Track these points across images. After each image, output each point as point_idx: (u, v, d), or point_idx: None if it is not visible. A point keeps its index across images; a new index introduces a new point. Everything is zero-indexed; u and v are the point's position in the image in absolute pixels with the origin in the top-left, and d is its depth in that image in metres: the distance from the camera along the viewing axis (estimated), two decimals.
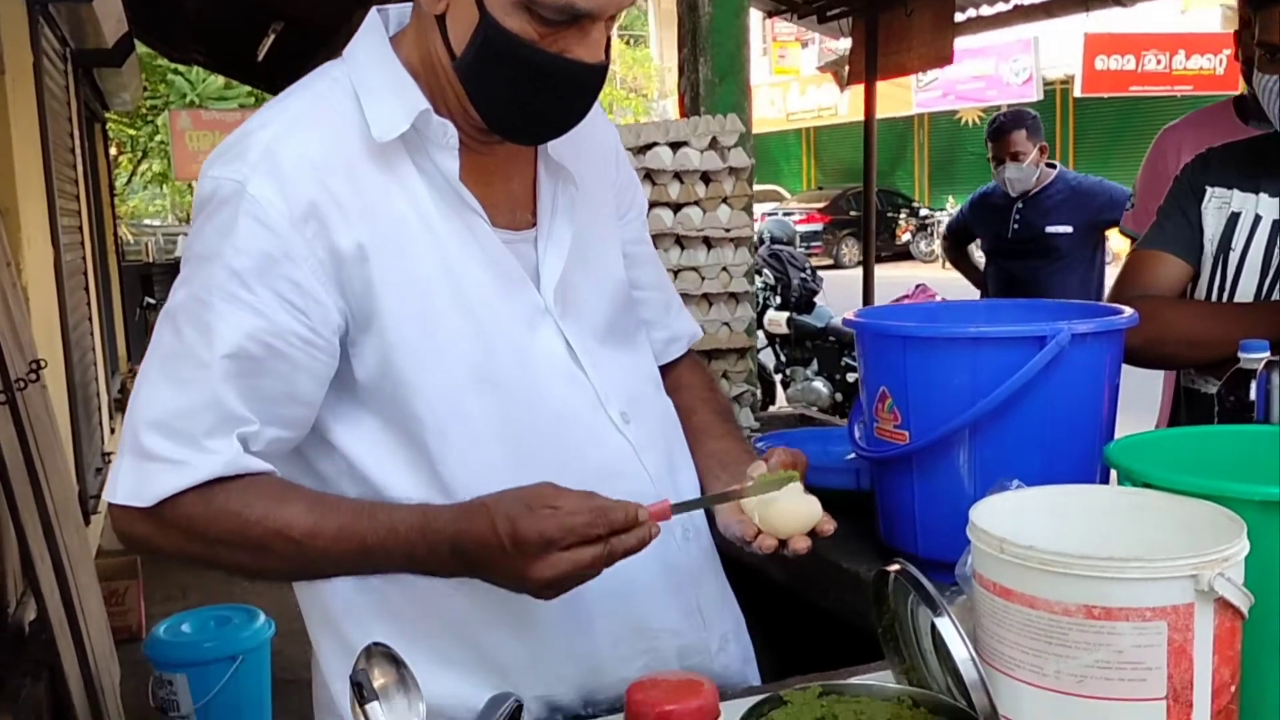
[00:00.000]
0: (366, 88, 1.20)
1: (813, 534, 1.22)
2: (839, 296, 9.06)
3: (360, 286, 1.17)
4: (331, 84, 1.22)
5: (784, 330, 8.14)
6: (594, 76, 1.17)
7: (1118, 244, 4.71)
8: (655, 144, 2.27)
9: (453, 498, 1.19)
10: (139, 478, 1.13)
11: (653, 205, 2.30)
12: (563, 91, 1.18)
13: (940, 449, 1.61)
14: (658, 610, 1.30)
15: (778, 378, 8.07)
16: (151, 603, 4.73)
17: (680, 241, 2.33)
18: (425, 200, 1.20)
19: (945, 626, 1.02)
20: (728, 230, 2.33)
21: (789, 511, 1.20)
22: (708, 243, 2.34)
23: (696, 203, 2.31)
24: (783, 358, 8.28)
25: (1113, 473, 1.27)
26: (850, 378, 7.73)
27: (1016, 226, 4.52)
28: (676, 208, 2.31)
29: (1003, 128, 4.53)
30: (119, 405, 8.43)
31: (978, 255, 5.21)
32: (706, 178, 2.32)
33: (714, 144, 2.31)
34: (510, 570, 1.08)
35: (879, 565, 1.78)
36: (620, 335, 1.35)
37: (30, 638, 3.67)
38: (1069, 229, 4.41)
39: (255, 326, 1.13)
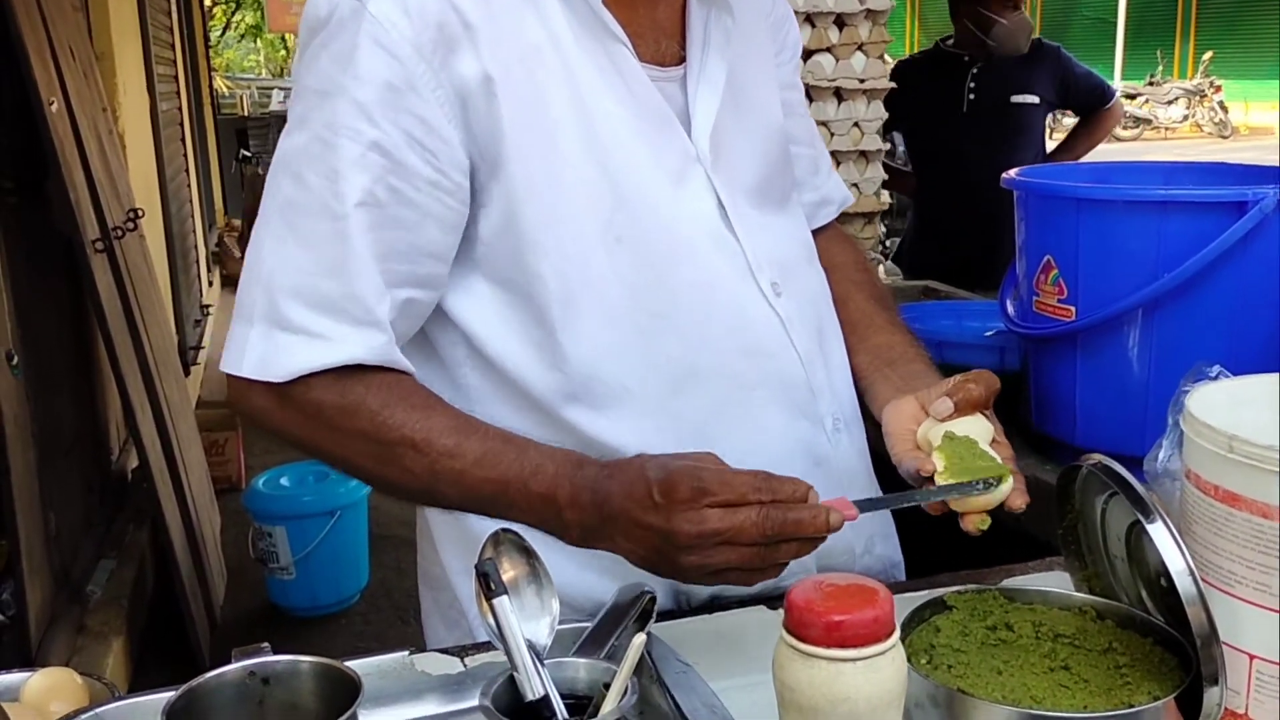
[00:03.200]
0: None
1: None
2: None
3: (487, 125, 1.01)
4: None
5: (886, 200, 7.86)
6: None
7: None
8: None
9: (574, 377, 1.06)
10: (270, 349, 0.99)
11: None
12: None
13: (1111, 327, 1.44)
14: None
15: (878, 250, 7.81)
16: (250, 454, 4.78)
17: (809, 93, 2.14)
18: (561, 25, 1.04)
19: (1159, 533, 0.87)
20: (861, 81, 2.13)
21: (977, 502, 1.03)
22: (838, 95, 2.15)
23: (829, 49, 2.11)
24: (882, 229, 8.00)
25: None
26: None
27: (973, 96, 3.52)
28: (806, 55, 2.11)
29: None
30: (216, 258, 8.49)
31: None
32: (840, 21, 2.11)
33: None
34: (652, 526, 0.91)
35: (1028, 454, 1.65)
36: (775, 195, 1.19)
37: (132, 485, 3.72)
38: (1035, 100, 3.57)
39: (382, 168, 0.99)
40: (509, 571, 0.80)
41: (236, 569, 3.77)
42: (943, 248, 3.54)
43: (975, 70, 3.52)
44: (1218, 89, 18.80)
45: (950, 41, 3.68)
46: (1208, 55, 19.53)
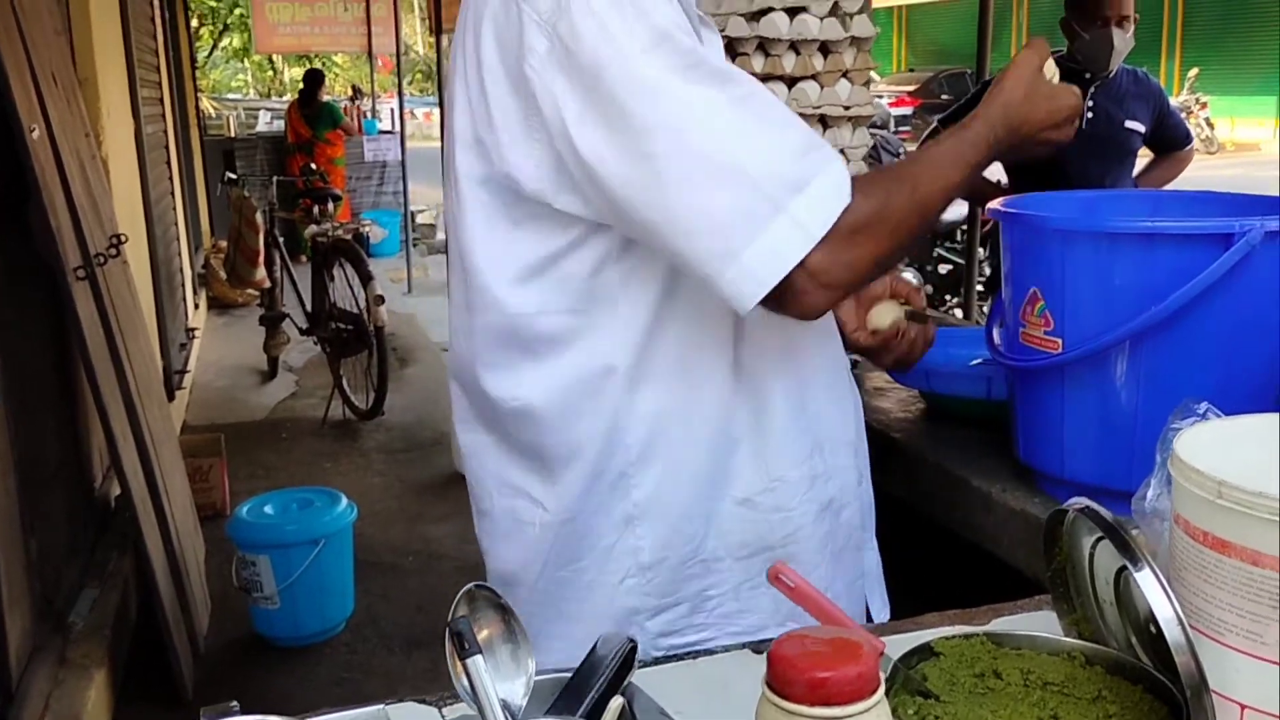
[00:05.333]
0: None
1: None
2: None
3: None
4: None
5: None
6: None
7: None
8: (770, 9, 2.04)
9: None
10: (816, 200, 1.09)
11: (766, 78, 2.09)
12: None
13: (1098, 361, 1.42)
14: (833, 425, 1.34)
15: None
16: (235, 480, 4.74)
17: None
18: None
19: (1146, 580, 0.86)
20: (847, 108, 2.12)
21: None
22: (824, 122, 2.13)
23: (814, 77, 2.09)
24: None
25: None
26: (942, 269, 7.45)
27: (1091, 115, 3.48)
28: (791, 82, 2.10)
29: None
30: (202, 280, 8.46)
31: None
32: (825, 49, 2.10)
33: (835, 10, 2.07)
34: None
35: (1016, 487, 1.63)
36: None
37: (115, 513, 3.68)
38: (1141, 129, 3.61)
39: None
40: (483, 630, 0.78)
41: (220, 597, 3.73)
42: None
43: (1094, 89, 3.51)
44: (1204, 105, 18.89)
45: (1064, 55, 3.59)
46: (1194, 72, 19.63)
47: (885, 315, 1.40)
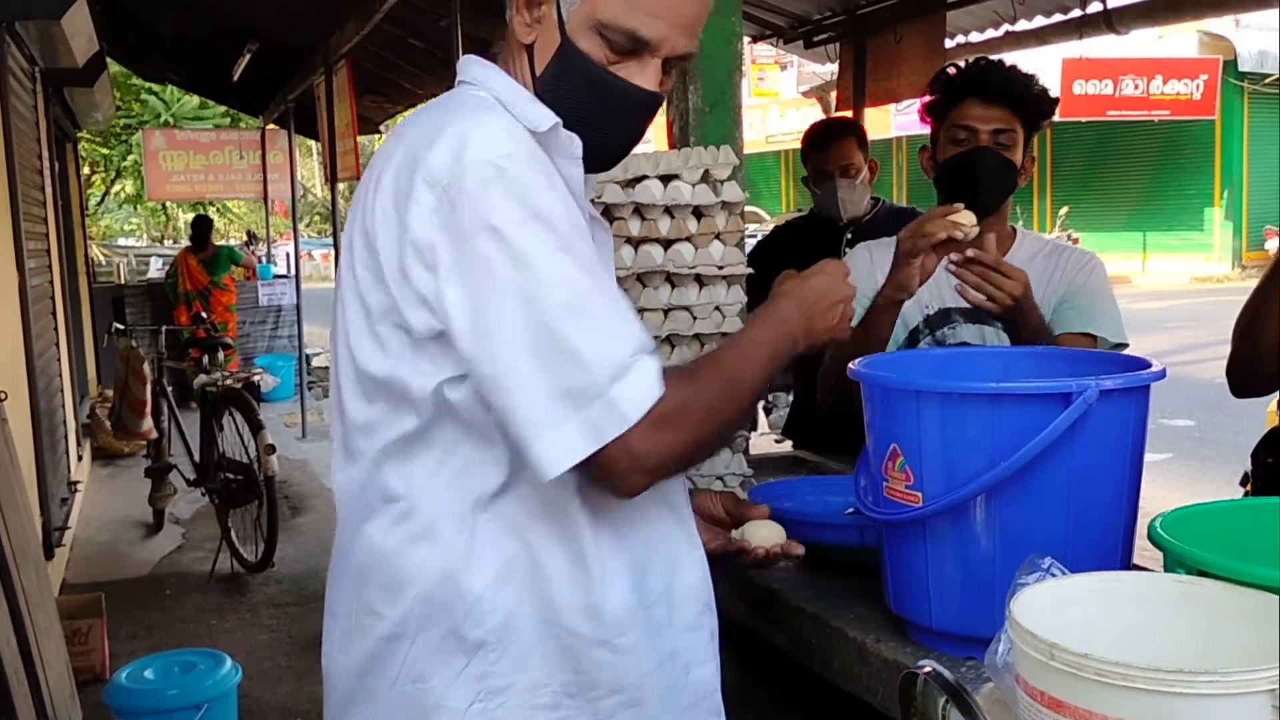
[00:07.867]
0: (509, 100, 1.35)
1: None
2: None
3: None
4: (478, 98, 1.35)
5: None
6: (651, 101, 1.36)
7: None
8: (645, 177, 2.14)
9: None
10: (636, 386, 1.21)
11: (642, 241, 2.18)
12: (623, 114, 1.36)
13: (957, 513, 1.49)
14: (678, 575, 1.44)
15: (760, 404, 7.97)
16: (115, 640, 4.57)
17: (671, 279, 2.21)
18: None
19: None
20: (720, 268, 2.21)
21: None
22: (699, 280, 2.22)
23: (688, 239, 2.19)
24: None
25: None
26: None
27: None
28: (667, 244, 2.19)
29: (830, 133, 3.65)
30: (87, 431, 8.24)
31: None
32: (698, 212, 2.20)
33: (706, 177, 2.19)
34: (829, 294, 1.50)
35: (890, 637, 1.68)
36: None
37: None
38: None
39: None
40: None
41: None
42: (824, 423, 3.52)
43: (849, 235, 3.52)
44: (1075, 241, 19.87)
45: (815, 208, 3.73)
46: (1064, 210, 20.67)
47: (765, 537, 1.64)
